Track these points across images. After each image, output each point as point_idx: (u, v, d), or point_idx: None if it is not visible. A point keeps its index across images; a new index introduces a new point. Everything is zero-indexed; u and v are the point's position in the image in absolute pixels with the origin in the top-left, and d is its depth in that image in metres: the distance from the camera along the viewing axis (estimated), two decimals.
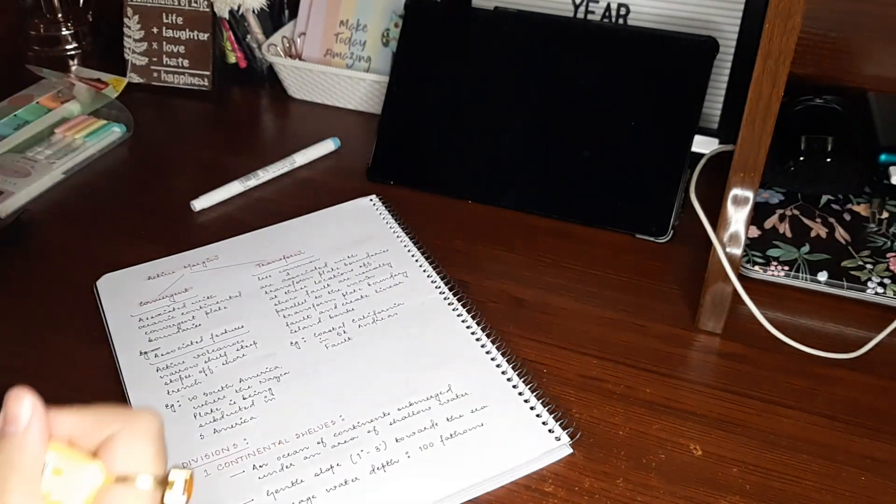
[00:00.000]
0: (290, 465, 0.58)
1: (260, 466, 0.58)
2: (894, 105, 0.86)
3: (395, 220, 0.81)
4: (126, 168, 0.92)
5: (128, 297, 0.72)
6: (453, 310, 0.70)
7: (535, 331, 0.69)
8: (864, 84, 0.90)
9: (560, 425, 0.60)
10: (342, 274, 0.74)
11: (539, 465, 0.58)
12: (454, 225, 0.81)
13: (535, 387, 0.63)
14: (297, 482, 0.57)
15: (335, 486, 0.56)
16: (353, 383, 0.64)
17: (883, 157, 0.79)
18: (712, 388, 0.64)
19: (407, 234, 0.79)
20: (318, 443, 0.59)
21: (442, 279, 0.73)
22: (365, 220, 0.81)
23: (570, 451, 0.59)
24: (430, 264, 0.75)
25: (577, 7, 0.91)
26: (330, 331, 0.69)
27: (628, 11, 0.89)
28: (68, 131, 0.94)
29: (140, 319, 0.70)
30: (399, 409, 0.61)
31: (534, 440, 0.59)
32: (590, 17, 0.91)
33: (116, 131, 0.95)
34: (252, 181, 0.87)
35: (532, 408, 0.61)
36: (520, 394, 0.62)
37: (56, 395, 0.65)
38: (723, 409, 0.62)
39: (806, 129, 0.79)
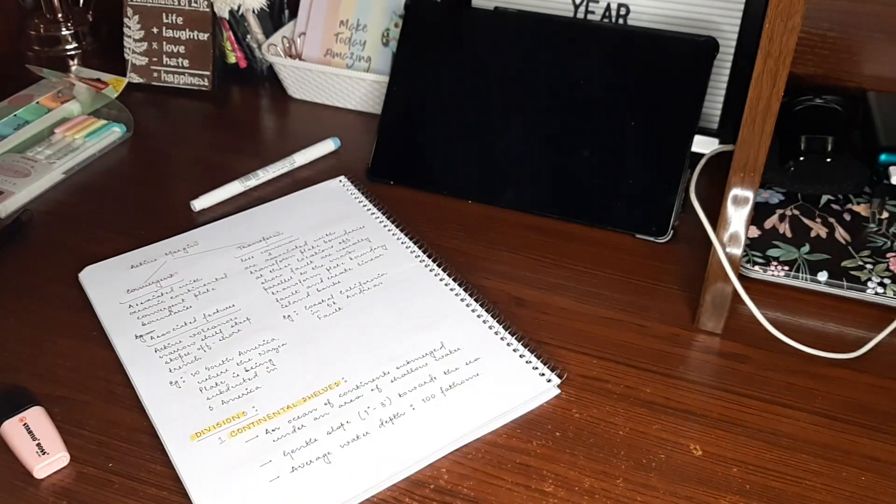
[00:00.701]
0: (302, 426, 0.60)
1: (273, 430, 0.60)
2: (894, 105, 0.86)
3: (367, 197, 0.83)
4: (126, 168, 0.92)
5: (113, 286, 0.74)
6: (435, 275, 0.74)
7: (535, 331, 0.69)
8: (864, 84, 0.90)
9: (548, 367, 0.64)
10: (323, 251, 0.77)
11: (534, 404, 0.62)
12: (454, 225, 0.81)
13: (521, 336, 0.67)
14: (312, 441, 0.59)
15: (348, 442, 0.59)
16: (350, 348, 0.67)
17: (883, 157, 0.79)
18: (712, 388, 0.64)
19: (380, 210, 0.82)
20: (326, 404, 0.62)
21: (420, 248, 0.77)
22: (337, 199, 0.84)
23: (559, 391, 0.63)
24: (407, 236, 0.78)
25: (577, 7, 0.91)
26: (320, 303, 0.71)
27: (628, 11, 0.89)
28: (68, 131, 0.94)
29: (130, 306, 0.72)
30: (398, 368, 0.65)
31: (526, 383, 0.64)
32: (590, 17, 0.91)
33: (116, 131, 0.95)
34: (252, 181, 0.87)
35: (521, 356, 0.66)
36: (508, 344, 0.67)
37: (56, 392, 0.65)
38: (723, 409, 0.63)
39: (806, 129, 0.79)
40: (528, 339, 0.67)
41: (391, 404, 0.62)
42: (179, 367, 0.65)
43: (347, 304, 0.71)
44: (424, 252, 0.76)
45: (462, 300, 0.71)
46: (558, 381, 0.64)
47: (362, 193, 0.84)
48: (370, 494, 0.56)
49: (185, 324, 0.70)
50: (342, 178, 0.87)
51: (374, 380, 0.64)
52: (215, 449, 0.59)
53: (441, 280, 0.73)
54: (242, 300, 0.72)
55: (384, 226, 0.80)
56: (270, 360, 0.66)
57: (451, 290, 0.72)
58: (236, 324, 0.69)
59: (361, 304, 0.71)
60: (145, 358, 0.66)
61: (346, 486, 0.56)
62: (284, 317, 0.70)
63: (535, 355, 0.65)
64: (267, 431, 0.60)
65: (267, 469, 0.58)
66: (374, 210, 0.82)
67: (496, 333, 0.67)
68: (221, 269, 0.75)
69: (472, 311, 0.70)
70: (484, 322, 0.69)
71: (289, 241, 0.78)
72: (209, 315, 0.70)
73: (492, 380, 0.64)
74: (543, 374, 0.64)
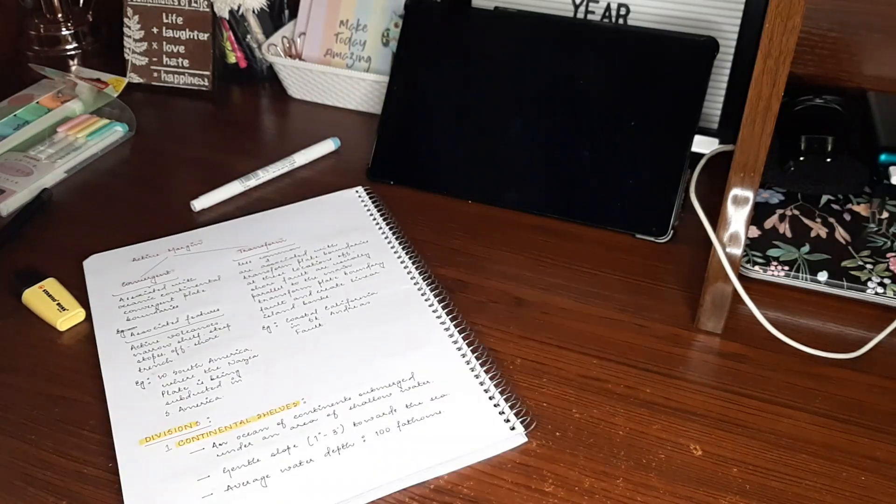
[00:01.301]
0: (249, 444, 0.60)
1: (220, 444, 0.60)
2: (894, 105, 0.86)
3: (379, 211, 0.82)
4: (126, 167, 0.92)
5: (112, 277, 0.75)
6: (426, 300, 0.71)
7: (536, 331, 0.69)
8: (864, 84, 0.90)
9: (516, 414, 0.61)
10: (320, 262, 0.76)
11: (491, 452, 0.59)
12: (454, 225, 0.81)
13: (499, 378, 0.64)
14: (253, 461, 0.58)
15: (289, 467, 0.58)
16: (319, 368, 0.65)
17: (883, 157, 0.79)
18: (712, 388, 0.64)
19: (389, 226, 0.80)
20: (278, 424, 0.61)
21: (418, 271, 0.74)
22: (349, 211, 0.83)
23: (525, 439, 0.60)
24: (408, 256, 0.76)
25: (577, 7, 0.91)
26: (302, 317, 0.70)
27: (628, 11, 0.89)
28: (71, 130, 0.94)
29: (121, 299, 0.72)
30: (360, 395, 0.63)
31: (488, 428, 0.60)
32: (590, 17, 0.91)
33: (119, 130, 0.95)
34: (252, 181, 0.87)
35: (491, 397, 0.62)
36: (481, 383, 0.64)
37: (56, 392, 0.65)
38: (723, 409, 0.63)
39: (806, 129, 0.79)
40: (504, 382, 0.64)
41: (343, 433, 0.60)
42: (149, 368, 0.65)
43: (329, 321, 0.69)
44: (422, 275, 0.74)
45: (446, 329, 0.68)
46: (524, 430, 0.60)
47: (376, 207, 0.83)
48: None
49: (168, 323, 0.70)
50: (358, 188, 0.85)
51: (332, 405, 0.62)
52: (161, 456, 0.59)
53: (430, 306, 0.70)
54: (228, 306, 0.71)
55: (388, 242, 0.78)
56: (237, 371, 0.65)
57: (438, 317, 0.69)
58: (215, 329, 0.69)
59: (344, 322, 0.69)
60: (120, 354, 0.67)
61: None
62: (263, 327, 0.69)
63: (504, 398, 0.62)
64: (214, 445, 0.59)
65: (203, 484, 0.57)
66: (383, 225, 0.80)
67: (472, 370, 0.64)
68: (217, 270, 0.75)
69: (454, 342, 0.67)
70: (463, 356, 0.66)
71: (289, 249, 0.77)
72: (192, 317, 0.70)
73: (452, 420, 0.61)
74: (508, 421, 0.60)
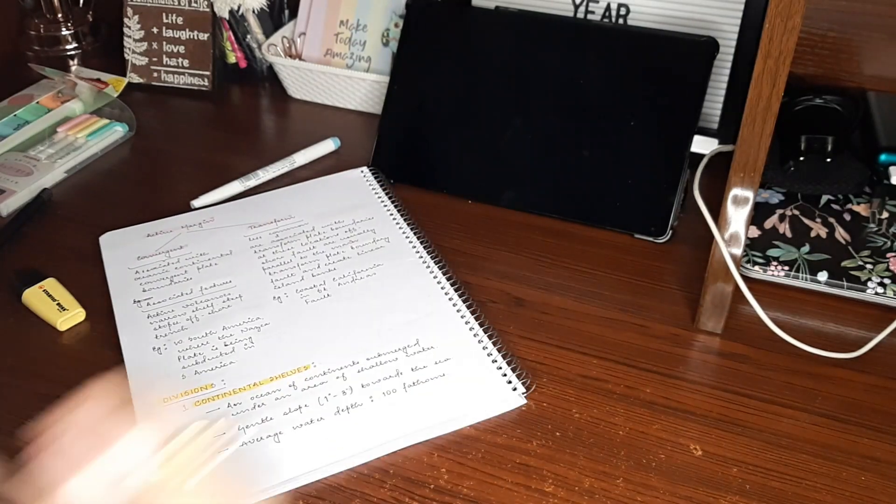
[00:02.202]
0: (262, 404, 0.62)
1: (234, 405, 0.62)
2: (894, 105, 0.86)
3: (384, 189, 0.84)
4: (126, 167, 0.92)
5: (127, 251, 0.77)
6: (430, 272, 0.74)
7: (535, 331, 0.69)
8: (864, 84, 0.90)
9: (518, 376, 0.64)
10: (328, 237, 0.78)
11: (494, 412, 0.62)
12: (454, 225, 0.81)
13: (499, 341, 0.67)
14: (267, 419, 0.61)
15: (301, 425, 0.60)
16: (328, 335, 0.68)
17: (883, 157, 0.79)
18: (712, 388, 0.64)
19: (393, 203, 0.82)
20: (290, 385, 0.63)
21: (422, 244, 0.77)
22: (355, 189, 0.85)
23: (524, 401, 0.62)
24: (412, 231, 0.78)
25: (577, 7, 0.91)
26: (311, 287, 0.73)
27: (628, 11, 0.89)
28: (71, 130, 0.94)
29: (136, 272, 0.75)
30: (368, 359, 0.66)
31: (491, 389, 0.63)
32: (590, 17, 0.91)
33: (119, 130, 0.95)
34: (252, 181, 0.87)
35: (494, 360, 0.65)
36: (483, 348, 0.66)
37: (55, 392, 0.65)
38: (723, 409, 0.63)
39: (806, 129, 0.80)
40: (505, 346, 0.66)
41: (352, 393, 0.63)
42: (165, 335, 0.68)
43: (337, 292, 0.72)
44: (426, 248, 0.76)
45: (450, 299, 0.71)
46: (524, 391, 0.63)
47: (380, 186, 0.85)
48: (315, 478, 0.57)
49: (182, 294, 0.72)
50: (364, 168, 0.88)
51: (341, 368, 0.65)
52: (178, 415, 0.61)
53: (434, 277, 0.73)
54: (240, 278, 0.74)
55: (393, 219, 0.80)
56: (250, 338, 0.68)
57: (442, 288, 0.72)
58: (228, 300, 0.71)
59: (351, 292, 0.72)
60: (137, 322, 0.69)
61: (289, 467, 0.58)
62: (274, 297, 0.72)
63: (507, 361, 0.65)
64: (229, 405, 0.62)
65: (219, 440, 0.59)
66: (388, 203, 0.82)
67: (475, 335, 0.67)
68: (228, 245, 0.77)
69: (458, 311, 0.70)
70: (466, 323, 0.68)
71: (297, 226, 0.80)
72: (206, 288, 0.72)
73: (456, 381, 0.64)
74: (511, 382, 0.63)
